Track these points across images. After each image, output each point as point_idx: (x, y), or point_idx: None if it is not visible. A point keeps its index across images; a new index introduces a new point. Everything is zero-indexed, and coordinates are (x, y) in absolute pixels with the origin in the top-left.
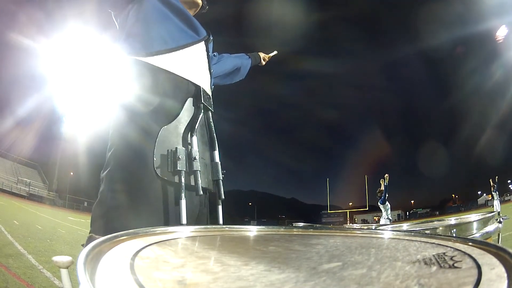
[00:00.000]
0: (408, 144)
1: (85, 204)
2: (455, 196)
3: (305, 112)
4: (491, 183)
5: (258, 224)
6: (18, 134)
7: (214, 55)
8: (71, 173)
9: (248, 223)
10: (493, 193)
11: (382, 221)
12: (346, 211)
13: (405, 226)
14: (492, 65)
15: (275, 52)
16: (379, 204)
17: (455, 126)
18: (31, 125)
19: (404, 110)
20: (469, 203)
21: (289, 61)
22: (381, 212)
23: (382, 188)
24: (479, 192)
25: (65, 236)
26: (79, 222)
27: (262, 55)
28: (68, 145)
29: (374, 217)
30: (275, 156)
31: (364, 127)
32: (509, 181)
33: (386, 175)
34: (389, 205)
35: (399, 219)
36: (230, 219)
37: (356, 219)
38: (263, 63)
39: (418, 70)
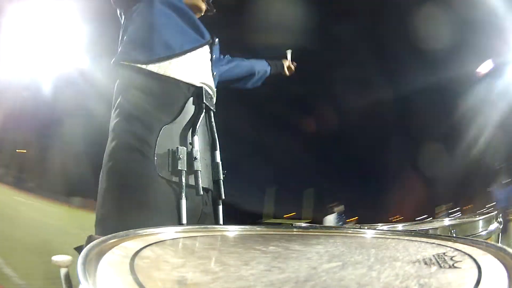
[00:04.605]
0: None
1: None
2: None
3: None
4: None
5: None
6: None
7: (225, 57)
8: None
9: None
10: None
11: None
12: None
13: (399, 226)
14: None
15: (289, 51)
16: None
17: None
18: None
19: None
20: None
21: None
22: None
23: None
24: None
25: None
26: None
27: (286, 63)
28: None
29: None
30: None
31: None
32: None
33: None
34: None
35: None
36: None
37: None
38: (287, 72)
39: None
